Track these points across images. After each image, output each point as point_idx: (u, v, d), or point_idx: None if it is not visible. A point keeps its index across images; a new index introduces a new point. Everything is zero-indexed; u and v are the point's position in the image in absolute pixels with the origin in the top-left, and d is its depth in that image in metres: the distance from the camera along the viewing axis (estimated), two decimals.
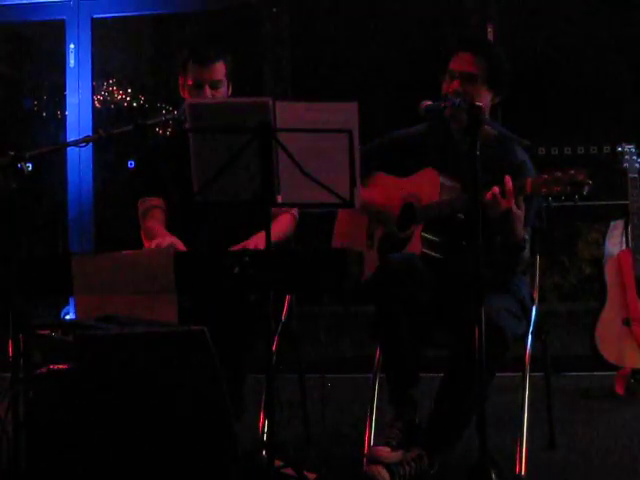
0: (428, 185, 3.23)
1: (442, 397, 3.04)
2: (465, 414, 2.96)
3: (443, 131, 3.34)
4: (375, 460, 2.98)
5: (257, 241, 3.16)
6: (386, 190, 3.37)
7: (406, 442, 3.03)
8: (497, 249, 3.05)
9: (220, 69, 3.39)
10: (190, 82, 3.38)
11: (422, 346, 3.15)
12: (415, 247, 3.20)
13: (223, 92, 3.40)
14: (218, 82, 3.38)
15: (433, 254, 3.19)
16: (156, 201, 3.45)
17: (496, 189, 2.93)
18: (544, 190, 2.88)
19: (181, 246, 3.16)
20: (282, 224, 3.40)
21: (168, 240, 3.16)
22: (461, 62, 3.22)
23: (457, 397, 2.98)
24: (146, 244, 3.33)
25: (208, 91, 3.36)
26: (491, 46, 3.43)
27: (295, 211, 3.46)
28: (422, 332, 3.12)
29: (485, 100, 3.20)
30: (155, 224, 3.39)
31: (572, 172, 2.83)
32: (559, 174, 2.86)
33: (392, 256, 3.17)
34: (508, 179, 2.93)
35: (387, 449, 3.00)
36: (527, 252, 3.21)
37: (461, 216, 3.12)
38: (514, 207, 2.93)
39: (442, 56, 3.30)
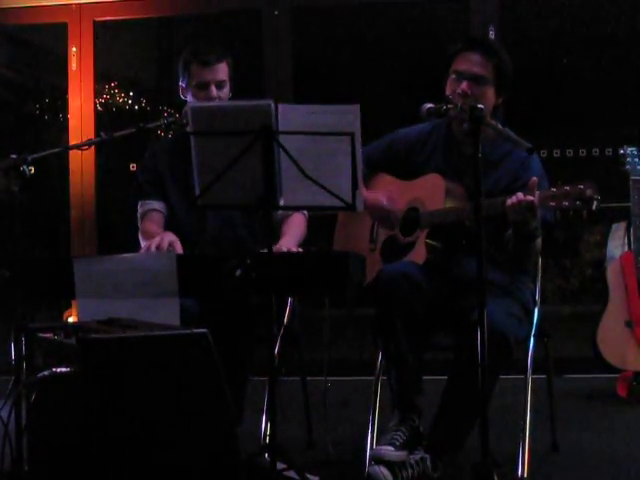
0: (433, 191, 3.19)
1: (446, 401, 3.03)
2: (469, 418, 2.94)
3: (446, 133, 3.33)
4: (378, 458, 2.97)
5: (286, 245, 3.18)
6: (390, 192, 3.35)
7: (410, 445, 3.02)
8: (510, 242, 3.04)
9: (223, 69, 3.41)
10: (195, 84, 3.38)
11: (424, 352, 3.14)
12: (419, 253, 3.18)
13: (227, 92, 3.41)
14: (222, 82, 3.40)
15: (437, 260, 3.18)
16: (156, 204, 3.45)
17: (520, 196, 2.89)
18: (552, 204, 2.86)
19: (178, 245, 3.15)
20: (299, 226, 3.41)
21: (167, 239, 3.15)
22: (469, 63, 3.17)
23: (461, 401, 2.97)
24: (144, 244, 3.31)
25: (214, 90, 3.36)
26: (498, 47, 3.35)
27: (305, 211, 3.47)
28: (422, 340, 3.11)
29: (490, 102, 3.18)
30: (152, 226, 3.39)
31: (581, 187, 2.79)
32: (567, 188, 2.82)
33: (386, 268, 3.15)
34: (535, 181, 2.89)
35: (390, 448, 2.99)
36: (539, 241, 3.16)
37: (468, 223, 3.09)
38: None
39: (447, 54, 3.24)
